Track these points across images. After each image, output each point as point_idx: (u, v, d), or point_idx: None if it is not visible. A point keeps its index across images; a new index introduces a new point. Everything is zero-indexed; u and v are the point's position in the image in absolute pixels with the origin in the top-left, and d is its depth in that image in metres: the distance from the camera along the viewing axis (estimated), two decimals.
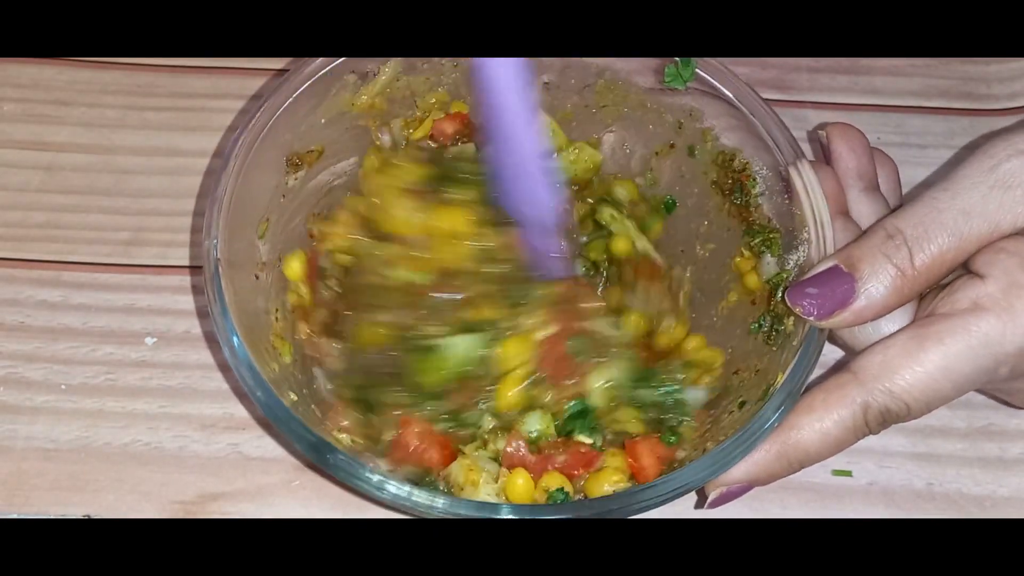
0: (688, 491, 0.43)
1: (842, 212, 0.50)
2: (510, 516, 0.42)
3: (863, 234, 0.46)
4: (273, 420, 0.44)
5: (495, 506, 0.43)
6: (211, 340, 0.56)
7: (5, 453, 0.52)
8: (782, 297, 0.46)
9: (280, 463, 0.53)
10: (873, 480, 0.53)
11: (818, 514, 0.52)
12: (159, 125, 0.63)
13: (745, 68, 0.65)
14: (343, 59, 0.52)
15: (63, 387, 0.54)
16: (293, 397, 0.47)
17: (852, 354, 0.47)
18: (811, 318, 0.45)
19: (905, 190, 0.60)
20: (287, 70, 0.52)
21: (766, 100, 0.51)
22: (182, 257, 0.58)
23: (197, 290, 0.57)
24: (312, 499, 0.52)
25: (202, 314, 0.57)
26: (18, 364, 0.55)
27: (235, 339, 0.45)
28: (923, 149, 0.64)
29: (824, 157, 0.53)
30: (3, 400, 0.54)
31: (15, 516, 0.51)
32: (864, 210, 0.50)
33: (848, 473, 0.53)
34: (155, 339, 0.56)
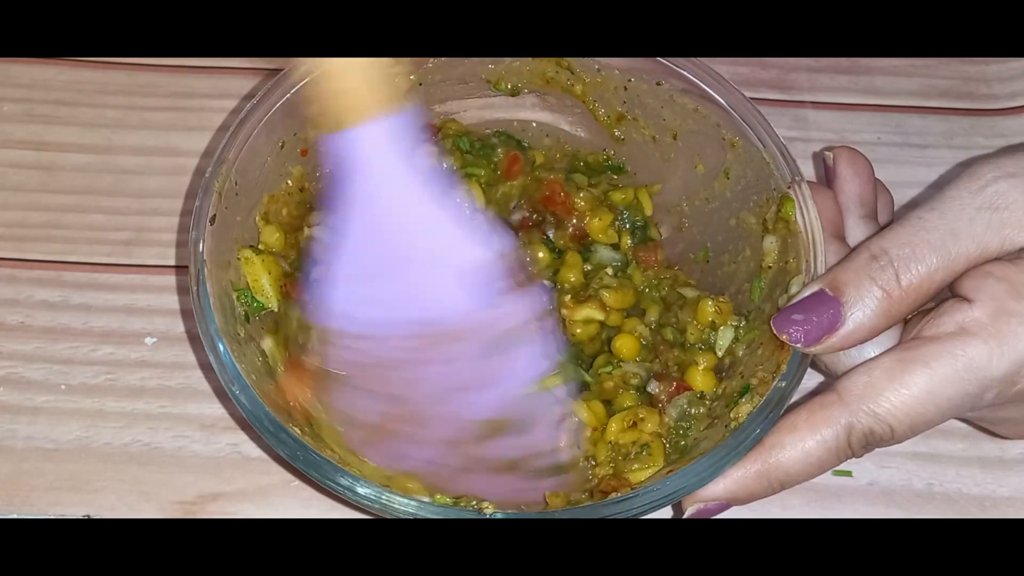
0: (663, 505, 0.43)
1: (838, 236, 0.49)
2: (496, 517, 0.42)
3: (847, 256, 0.45)
4: (257, 427, 0.44)
5: (476, 511, 0.43)
6: None
7: (5, 453, 0.52)
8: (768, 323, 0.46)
9: (280, 463, 0.53)
10: (873, 480, 0.53)
11: (819, 514, 0.52)
12: (159, 125, 0.63)
13: (745, 68, 0.65)
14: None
15: (63, 387, 0.54)
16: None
17: (833, 378, 0.46)
18: (799, 345, 0.44)
19: (906, 190, 0.60)
20: (280, 70, 0.52)
21: (763, 115, 0.51)
22: (182, 257, 0.58)
23: None
24: (312, 499, 0.52)
25: None
26: (18, 364, 0.55)
27: (220, 345, 0.45)
28: (923, 149, 0.63)
29: (827, 179, 0.53)
30: (3, 400, 0.54)
31: (15, 516, 0.51)
32: (860, 236, 0.50)
33: (848, 473, 0.53)
34: (155, 339, 0.56)
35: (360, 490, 0.42)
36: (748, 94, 0.52)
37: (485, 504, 0.44)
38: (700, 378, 0.49)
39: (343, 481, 0.42)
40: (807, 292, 0.45)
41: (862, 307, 0.43)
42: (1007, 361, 0.42)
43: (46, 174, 0.61)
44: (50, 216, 0.59)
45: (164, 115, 0.63)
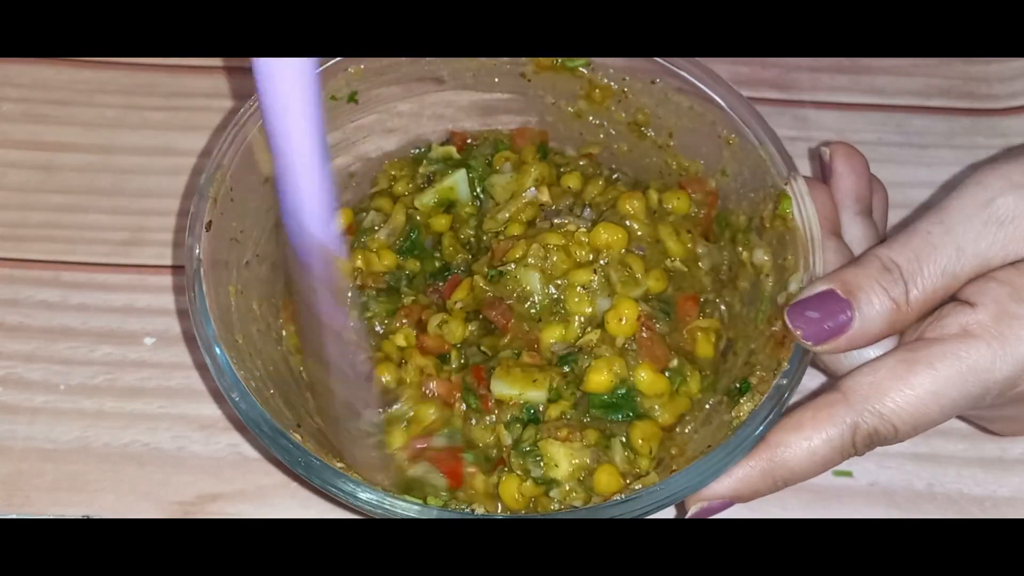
0: (666, 505, 0.43)
1: (835, 233, 0.49)
2: (499, 518, 0.42)
3: (858, 261, 0.46)
4: (256, 432, 0.43)
5: (469, 512, 0.43)
6: None
7: (4, 453, 0.52)
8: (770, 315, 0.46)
9: (279, 464, 0.53)
10: (874, 480, 0.53)
11: (819, 514, 0.52)
12: (158, 125, 0.63)
13: (746, 68, 0.65)
14: (338, 59, 0.52)
15: (62, 387, 0.54)
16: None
17: (833, 378, 0.47)
18: (808, 342, 0.44)
19: (907, 190, 0.60)
20: None
21: (759, 112, 0.51)
22: (180, 257, 0.58)
23: None
24: (311, 500, 0.52)
25: None
26: (17, 364, 0.55)
27: (216, 348, 0.45)
28: (924, 149, 0.63)
29: (822, 175, 0.53)
30: (2, 400, 0.54)
31: (14, 516, 0.51)
32: (857, 233, 0.50)
33: (849, 473, 0.53)
34: (154, 339, 0.56)
35: (362, 495, 0.42)
36: (749, 94, 0.52)
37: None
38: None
39: (344, 486, 0.42)
40: (819, 288, 0.45)
41: (873, 315, 0.44)
42: (1009, 363, 0.43)
43: (45, 174, 0.61)
44: (49, 216, 0.59)
45: (163, 115, 0.63)
